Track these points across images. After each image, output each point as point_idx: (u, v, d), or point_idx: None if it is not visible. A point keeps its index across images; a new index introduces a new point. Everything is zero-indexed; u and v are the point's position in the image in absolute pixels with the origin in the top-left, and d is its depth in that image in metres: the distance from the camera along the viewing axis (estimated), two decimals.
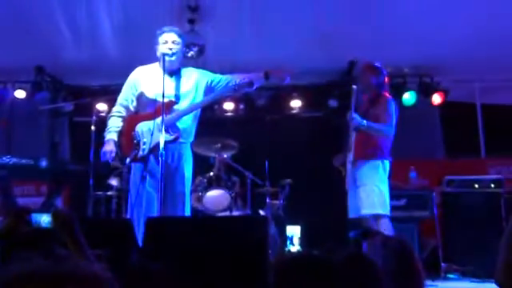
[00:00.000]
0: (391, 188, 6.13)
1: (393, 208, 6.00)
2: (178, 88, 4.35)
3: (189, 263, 3.10)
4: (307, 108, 7.77)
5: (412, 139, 7.52)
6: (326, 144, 6.92)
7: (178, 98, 4.31)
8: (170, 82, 4.32)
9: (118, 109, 4.46)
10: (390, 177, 5.12)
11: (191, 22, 6.28)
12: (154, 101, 4.22)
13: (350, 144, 4.71)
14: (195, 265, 3.10)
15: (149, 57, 4.47)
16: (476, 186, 6.01)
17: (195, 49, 6.09)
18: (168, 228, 3.49)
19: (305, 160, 7.41)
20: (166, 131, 4.11)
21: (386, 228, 4.51)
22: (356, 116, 4.56)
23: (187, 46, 5.51)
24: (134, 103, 4.40)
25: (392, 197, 6.03)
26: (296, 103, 7.73)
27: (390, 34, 6.58)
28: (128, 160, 4.22)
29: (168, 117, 4.17)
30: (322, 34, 6.58)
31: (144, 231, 3.45)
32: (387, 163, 4.72)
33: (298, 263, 1.65)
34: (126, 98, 4.43)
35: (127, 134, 4.31)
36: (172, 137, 4.19)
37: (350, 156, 4.72)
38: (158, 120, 4.08)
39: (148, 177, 4.15)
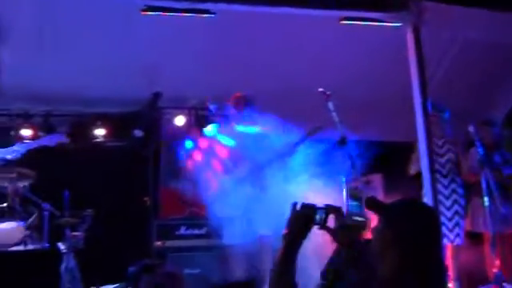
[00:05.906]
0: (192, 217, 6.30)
1: (194, 237, 6.19)
2: None
3: None
4: (111, 137, 7.64)
5: None
6: (129, 174, 6.85)
7: None
8: None
9: None
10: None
11: None
12: None
13: None
14: None
15: None
16: None
17: None
18: None
19: (108, 190, 7.23)
20: None
21: None
22: None
23: None
24: None
25: (194, 226, 6.22)
26: (100, 131, 7.57)
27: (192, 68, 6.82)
28: None
29: None
30: (127, 64, 6.58)
31: None
32: None
33: None
34: None
35: None
36: None
37: None
38: None
39: None
